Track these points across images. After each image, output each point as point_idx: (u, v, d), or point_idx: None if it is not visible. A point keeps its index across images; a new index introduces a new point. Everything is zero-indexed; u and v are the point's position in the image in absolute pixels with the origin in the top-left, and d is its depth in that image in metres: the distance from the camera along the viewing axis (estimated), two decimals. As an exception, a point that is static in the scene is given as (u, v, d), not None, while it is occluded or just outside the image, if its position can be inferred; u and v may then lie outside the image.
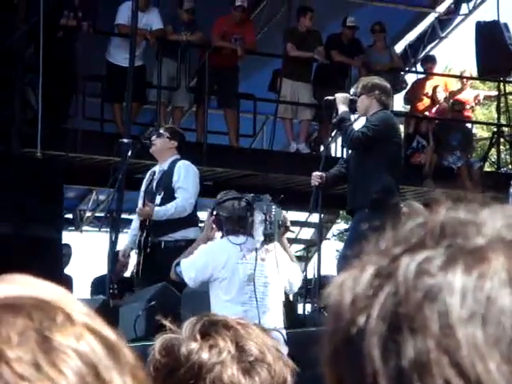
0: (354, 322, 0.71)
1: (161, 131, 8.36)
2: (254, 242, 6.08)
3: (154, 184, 8.21)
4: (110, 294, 8.60)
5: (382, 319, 0.70)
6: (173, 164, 8.14)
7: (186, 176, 8.00)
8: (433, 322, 0.68)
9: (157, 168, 8.33)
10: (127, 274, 10.14)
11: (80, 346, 0.74)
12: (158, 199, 8.00)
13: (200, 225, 8.25)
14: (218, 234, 6.47)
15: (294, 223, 13.48)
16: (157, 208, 7.87)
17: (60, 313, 0.76)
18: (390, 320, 0.69)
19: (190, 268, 6.24)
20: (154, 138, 8.28)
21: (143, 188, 8.35)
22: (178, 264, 6.37)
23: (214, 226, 6.43)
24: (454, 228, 0.72)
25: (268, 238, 6.06)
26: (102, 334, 0.76)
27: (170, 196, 7.97)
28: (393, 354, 0.69)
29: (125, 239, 8.75)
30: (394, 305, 0.70)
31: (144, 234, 7.96)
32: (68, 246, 11.87)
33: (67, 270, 11.74)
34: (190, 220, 8.09)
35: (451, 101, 12.80)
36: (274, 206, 6.10)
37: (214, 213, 6.37)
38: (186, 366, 1.64)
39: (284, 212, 6.31)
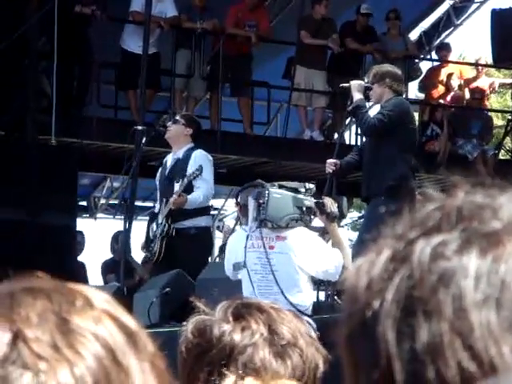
0: (369, 305, 0.71)
1: (177, 117, 8.38)
2: (264, 229, 6.04)
3: (167, 171, 8.23)
4: (124, 281, 8.63)
5: (397, 302, 0.70)
6: (188, 152, 8.15)
7: (206, 166, 8.01)
8: (447, 306, 0.69)
9: (169, 157, 8.35)
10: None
11: (98, 329, 0.74)
12: (177, 187, 8.03)
13: (212, 213, 8.28)
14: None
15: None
16: (188, 197, 7.90)
17: (79, 297, 0.76)
18: (405, 303, 0.70)
19: (225, 263, 6.32)
20: (169, 123, 8.30)
21: (158, 176, 8.38)
22: None
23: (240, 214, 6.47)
24: (470, 212, 0.72)
25: (262, 224, 5.99)
26: (121, 321, 0.76)
27: (187, 184, 7.99)
28: (407, 337, 0.69)
29: (139, 226, 8.77)
30: (408, 288, 0.70)
31: (169, 222, 8.01)
32: (81, 234, 11.91)
33: (81, 258, 11.79)
34: (203, 209, 8.12)
35: (466, 89, 12.75)
36: (267, 192, 5.99)
37: (238, 201, 6.41)
38: (217, 347, 1.65)
39: (327, 199, 6.13)
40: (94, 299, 0.77)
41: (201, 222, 8.02)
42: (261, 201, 5.96)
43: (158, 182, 8.41)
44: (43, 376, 0.72)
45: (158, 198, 8.37)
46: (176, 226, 8.02)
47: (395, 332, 0.70)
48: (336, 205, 6.08)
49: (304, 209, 6.02)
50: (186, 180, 7.86)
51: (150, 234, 8.23)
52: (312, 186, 6.19)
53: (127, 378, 0.74)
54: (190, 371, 1.68)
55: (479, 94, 12.62)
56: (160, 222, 8.10)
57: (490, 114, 13.89)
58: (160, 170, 8.40)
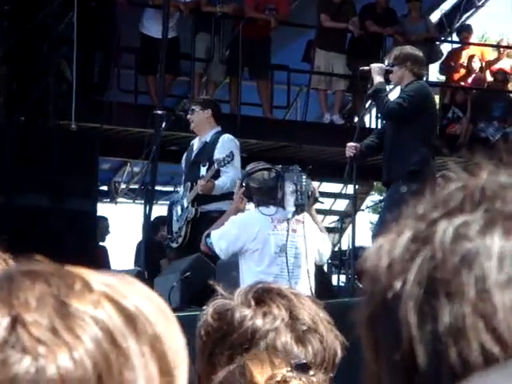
0: (390, 286, 0.71)
1: (192, 107, 8.36)
2: (285, 212, 6.06)
3: (194, 155, 8.22)
4: (145, 266, 8.65)
5: (419, 283, 0.69)
6: (216, 136, 8.14)
7: (235, 153, 8.00)
8: (470, 287, 0.68)
9: (196, 140, 8.35)
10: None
11: (97, 312, 0.74)
12: (203, 170, 8.02)
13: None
14: (250, 206, 6.47)
15: (328, 195, 13.47)
16: (215, 182, 7.90)
17: (78, 280, 0.76)
18: (427, 284, 0.69)
19: (221, 239, 6.26)
20: (189, 116, 8.30)
21: (184, 159, 8.37)
22: (209, 235, 6.39)
23: (243, 197, 6.43)
24: (493, 192, 0.71)
25: (299, 209, 6.04)
26: (120, 304, 0.76)
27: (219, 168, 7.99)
28: (429, 319, 0.69)
29: (159, 211, 8.79)
30: (430, 269, 0.69)
31: (195, 206, 8.01)
32: (105, 219, 11.95)
33: (105, 242, 11.84)
34: (227, 193, 8.12)
35: (488, 71, 12.65)
36: (304, 177, 6.07)
37: (244, 184, 6.37)
38: (238, 331, 1.65)
39: (314, 183, 6.30)
40: (93, 282, 0.76)
41: (224, 206, 8.03)
42: (299, 186, 6.04)
43: (183, 166, 8.41)
44: (42, 360, 0.71)
45: (183, 181, 8.37)
46: (202, 208, 8.03)
47: (417, 313, 0.69)
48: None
49: (309, 193, 6.14)
50: (215, 166, 7.83)
51: (174, 217, 8.23)
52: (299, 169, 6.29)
53: (126, 360, 0.73)
54: (210, 355, 1.68)
55: (501, 76, 12.52)
56: (186, 206, 8.10)
57: (509, 96, 13.80)
58: (186, 153, 8.39)
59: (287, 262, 6.01)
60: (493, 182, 0.72)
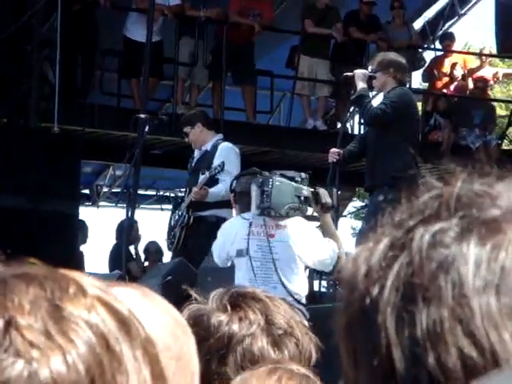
0: (368, 292, 0.71)
1: (184, 130, 8.34)
2: (266, 217, 6.03)
3: (195, 162, 8.27)
4: (126, 269, 8.64)
5: (396, 289, 0.70)
6: (216, 144, 8.19)
7: (231, 160, 8.02)
8: (447, 292, 0.68)
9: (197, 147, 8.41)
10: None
11: (91, 316, 0.74)
12: (202, 178, 8.06)
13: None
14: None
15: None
16: (209, 190, 7.92)
17: (72, 284, 0.76)
18: (404, 290, 0.70)
19: (214, 248, 6.31)
20: (186, 140, 8.33)
21: (188, 166, 8.45)
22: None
23: (233, 202, 6.45)
24: (468, 199, 0.72)
25: (265, 212, 5.98)
26: (114, 308, 0.76)
27: (210, 178, 8.01)
28: (407, 324, 0.69)
29: (142, 215, 8.79)
30: (408, 275, 0.70)
31: (189, 213, 8.04)
32: (84, 224, 11.90)
33: (83, 247, 11.80)
34: (224, 201, 8.13)
35: (470, 79, 12.72)
36: (271, 180, 5.98)
37: (232, 189, 6.39)
38: (215, 336, 1.65)
39: (321, 189, 6.15)
40: (86, 286, 0.76)
41: (220, 213, 8.06)
42: (265, 189, 5.96)
43: (188, 173, 8.52)
44: (35, 364, 0.71)
45: (187, 188, 8.44)
46: (197, 214, 8.07)
47: (395, 319, 0.69)
48: (329, 195, 6.13)
49: (302, 198, 6.03)
50: (207, 174, 7.88)
51: (172, 222, 8.29)
52: (307, 175, 6.20)
53: (120, 365, 0.73)
54: None
55: (482, 84, 12.59)
56: (182, 212, 8.16)
57: (493, 103, 13.88)
58: (190, 161, 8.45)
59: (252, 267, 5.99)
60: (467, 190, 0.72)
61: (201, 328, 1.66)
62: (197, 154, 8.32)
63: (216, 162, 8.03)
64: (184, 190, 8.50)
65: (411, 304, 0.69)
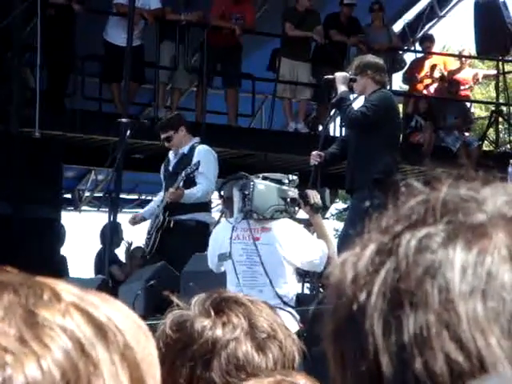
0: (355, 298, 0.71)
1: (166, 135, 8.26)
2: (250, 221, 6.03)
3: (172, 165, 8.24)
4: (109, 274, 8.62)
5: (383, 295, 0.70)
6: (193, 147, 8.17)
7: (208, 162, 8.01)
8: (433, 297, 0.69)
9: (171, 152, 8.36)
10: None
11: (66, 322, 0.74)
12: (179, 180, 8.03)
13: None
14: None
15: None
16: (185, 191, 7.90)
17: (47, 290, 0.76)
18: (391, 296, 0.70)
19: (208, 254, 6.30)
20: (167, 144, 8.27)
21: (162, 170, 8.38)
22: None
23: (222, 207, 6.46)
24: (454, 204, 0.72)
25: (248, 215, 5.98)
26: (89, 313, 0.75)
27: (190, 179, 7.99)
28: (394, 330, 0.69)
29: (124, 219, 8.76)
30: (394, 280, 0.70)
31: (166, 215, 8.00)
32: (62, 227, 11.87)
33: (64, 250, 11.76)
34: (202, 204, 8.12)
35: (446, 81, 12.79)
36: (252, 183, 5.97)
37: (221, 194, 6.39)
38: (199, 342, 1.65)
39: (310, 191, 6.11)
40: (61, 292, 0.76)
41: (198, 216, 8.04)
42: (246, 192, 5.95)
43: (162, 178, 8.43)
44: (9, 369, 0.71)
45: (163, 192, 8.39)
46: (174, 218, 8.03)
47: (382, 325, 0.70)
48: (319, 196, 6.09)
49: (288, 200, 6.01)
50: (183, 174, 7.85)
51: (149, 226, 8.26)
52: (295, 177, 6.18)
53: (96, 369, 0.73)
54: (170, 366, 1.67)
55: (454, 87, 12.66)
56: (158, 215, 8.12)
57: (472, 105, 13.95)
58: (163, 165, 8.40)
59: (235, 271, 5.98)
60: (453, 195, 0.73)
61: (184, 334, 1.66)
62: (172, 157, 8.28)
63: (193, 163, 8.02)
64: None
65: (398, 309, 0.70)
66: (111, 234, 8.86)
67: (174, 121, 8.50)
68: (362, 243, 0.73)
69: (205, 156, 8.09)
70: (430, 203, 0.72)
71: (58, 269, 9.95)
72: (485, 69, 16.76)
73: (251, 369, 1.63)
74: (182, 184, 7.94)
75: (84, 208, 15.60)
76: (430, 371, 0.68)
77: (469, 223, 0.71)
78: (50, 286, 0.76)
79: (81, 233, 15.59)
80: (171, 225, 8.02)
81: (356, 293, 0.71)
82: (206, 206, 8.22)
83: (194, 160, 8.03)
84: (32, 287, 0.75)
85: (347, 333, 0.72)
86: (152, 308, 7.14)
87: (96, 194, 15.15)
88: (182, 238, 7.96)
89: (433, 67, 12.79)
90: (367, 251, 0.72)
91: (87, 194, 15.41)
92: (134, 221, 8.35)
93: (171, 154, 8.32)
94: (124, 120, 8.44)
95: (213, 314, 1.66)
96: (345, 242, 7.08)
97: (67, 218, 13.54)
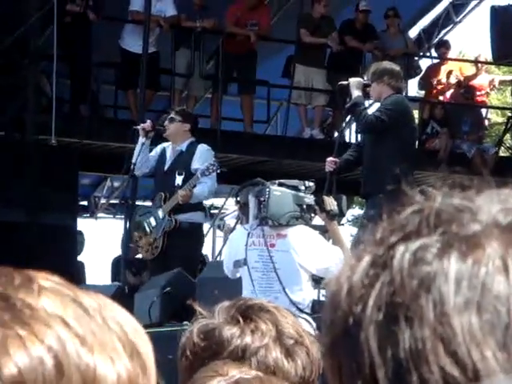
0: (351, 312, 0.71)
1: (172, 115, 8.31)
2: (265, 227, 6.02)
3: (169, 164, 8.19)
4: (125, 280, 8.62)
5: (378, 309, 0.70)
6: (191, 146, 8.14)
7: (210, 161, 7.98)
8: (428, 311, 0.68)
9: (168, 149, 8.28)
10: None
11: (42, 300, 0.72)
12: (179, 179, 8.00)
13: (212, 212, 8.26)
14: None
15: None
16: (194, 191, 7.88)
17: (19, 276, 0.75)
18: (386, 309, 0.69)
19: (224, 261, 6.30)
20: (166, 123, 8.25)
21: (153, 169, 8.28)
22: None
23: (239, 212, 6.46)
24: (449, 215, 0.71)
25: (263, 222, 5.97)
26: (65, 294, 0.74)
27: (189, 178, 7.97)
28: (389, 344, 0.69)
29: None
30: (389, 294, 0.70)
31: (172, 217, 7.98)
32: (81, 234, 11.92)
33: (80, 257, 11.80)
34: (197, 204, 8.10)
35: (462, 87, 12.75)
36: (268, 189, 5.97)
37: (237, 200, 6.39)
38: (228, 349, 1.64)
39: (327, 198, 6.08)
40: (35, 277, 0.75)
41: (193, 217, 8.02)
42: (261, 198, 5.95)
43: (154, 174, 8.35)
44: None
45: (155, 191, 8.33)
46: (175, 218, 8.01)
47: (378, 339, 0.69)
48: (335, 203, 6.07)
49: (304, 206, 5.99)
50: (199, 175, 7.81)
51: (147, 228, 8.17)
52: (311, 183, 6.17)
53: (84, 346, 0.71)
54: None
55: (468, 94, 12.62)
56: (161, 216, 8.05)
57: (488, 111, 13.89)
58: (155, 162, 8.30)
59: (251, 278, 5.98)
60: (447, 205, 0.72)
61: (213, 342, 1.65)
62: (169, 154, 8.23)
63: (199, 163, 7.92)
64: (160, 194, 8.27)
65: (394, 323, 0.69)
66: (127, 241, 8.86)
67: (187, 114, 8.51)
68: (357, 255, 0.72)
69: (207, 155, 8.07)
70: (424, 213, 0.72)
71: (75, 276, 9.97)
72: (501, 74, 16.70)
73: (281, 375, 1.62)
74: (192, 184, 7.89)
75: (100, 215, 15.65)
76: None
77: (463, 234, 0.70)
78: (23, 273, 0.75)
79: (97, 239, 15.62)
80: (177, 225, 7.99)
81: (351, 306, 0.71)
82: (199, 206, 8.19)
83: (197, 159, 7.99)
84: (4, 274, 0.74)
85: (343, 346, 0.71)
86: (168, 315, 7.15)
87: (112, 201, 15.19)
88: (178, 240, 7.93)
89: (449, 73, 12.75)
90: (362, 263, 0.71)
91: (103, 200, 15.45)
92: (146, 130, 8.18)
93: (170, 151, 8.24)
94: (139, 127, 8.44)
95: (241, 321, 1.66)
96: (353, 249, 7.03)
97: (83, 224, 13.58)
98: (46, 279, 0.75)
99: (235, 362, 1.61)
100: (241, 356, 1.63)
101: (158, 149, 8.32)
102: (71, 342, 0.71)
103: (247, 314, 1.67)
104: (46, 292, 0.74)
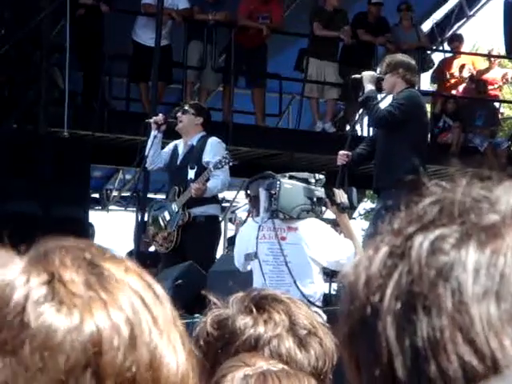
0: (368, 302, 0.71)
1: (186, 108, 8.31)
2: (276, 220, 6.02)
3: (181, 158, 8.19)
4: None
5: (396, 298, 0.70)
6: (202, 140, 8.13)
7: (222, 154, 7.97)
8: (447, 300, 0.68)
9: (180, 144, 8.29)
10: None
11: (128, 277, 0.78)
12: (192, 173, 8.00)
13: (224, 204, 8.25)
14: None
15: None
16: (207, 185, 7.89)
17: (108, 252, 0.81)
18: (404, 299, 0.69)
19: (234, 254, 6.30)
20: (179, 114, 8.24)
21: (166, 164, 8.28)
22: None
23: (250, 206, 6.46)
24: (467, 205, 0.71)
25: (274, 214, 5.97)
26: (145, 277, 0.80)
27: (201, 171, 7.97)
28: (407, 333, 0.69)
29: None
30: (407, 283, 0.70)
31: (186, 211, 7.98)
32: (91, 226, 11.93)
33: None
34: (212, 197, 8.11)
35: (474, 81, 12.71)
36: (278, 182, 5.96)
37: (248, 193, 6.39)
38: (241, 339, 1.64)
39: (337, 190, 6.08)
40: (124, 259, 0.81)
41: (209, 209, 8.02)
42: (272, 191, 5.94)
43: (165, 165, 8.35)
44: (78, 313, 0.75)
45: (168, 186, 8.33)
46: (189, 212, 8.01)
47: (395, 328, 0.69)
48: (346, 195, 6.06)
49: (315, 199, 5.99)
50: (212, 168, 7.81)
51: (161, 223, 8.18)
52: (322, 176, 6.16)
53: (156, 324, 0.77)
54: (213, 363, 1.67)
55: (483, 88, 12.57)
56: (176, 210, 8.06)
57: (501, 105, 13.84)
58: (169, 158, 8.32)
59: (262, 271, 5.98)
60: (466, 196, 0.72)
61: (226, 331, 1.66)
62: (181, 149, 8.24)
63: (210, 156, 7.91)
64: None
65: (411, 313, 0.69)
66: (139, 234, 8.87)
67: (200, 108, 8.50)
68: (374, 245, 0.72)
69: (218, 148, 8.07)
70: (442, 204, 0.72)
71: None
72: (514, 68, 16.63)
73: (294, 365, 1.63)
74: (205, 178, 7.88)
75: (112, 207, 15.66)
76: (443, 374, 0.68)
77: (482, 224, 0.70)
78: (110, 250, 0.82)
79: (108, 232, 15.65)
80: (190, 219, 8.00)
81: (369, 296, 0.71)
82: (214, 198, 8.19)
83: (208, 153, 7.98)
84: (95, 247, 0.81)
85: (361, 336, 0.71)
86: (179, 307, 7.15)
87: (124, 194, 15.21)
88: (194, 234, 7.93)
89: (461, 67, 12.71)
90: (380, 254, 0.71)
91: (115, 193, 15.46)
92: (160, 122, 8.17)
93: (181, 146, 8.24)
94: (152, 120, 8.44)
95: (254, 311, 1.66)
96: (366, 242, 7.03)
97: (95, 217, 13.61)
98: (132, 263, 0.81)
99: (263, 356, 1.61)
100: (254, 345, 1.64)
101: (170, 145, 8.34)
102: (146, 320, 0.76)
103: (261, 304, 1.68)
104: (132, 272, 0.79)
